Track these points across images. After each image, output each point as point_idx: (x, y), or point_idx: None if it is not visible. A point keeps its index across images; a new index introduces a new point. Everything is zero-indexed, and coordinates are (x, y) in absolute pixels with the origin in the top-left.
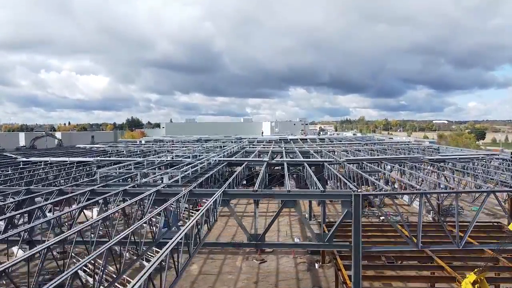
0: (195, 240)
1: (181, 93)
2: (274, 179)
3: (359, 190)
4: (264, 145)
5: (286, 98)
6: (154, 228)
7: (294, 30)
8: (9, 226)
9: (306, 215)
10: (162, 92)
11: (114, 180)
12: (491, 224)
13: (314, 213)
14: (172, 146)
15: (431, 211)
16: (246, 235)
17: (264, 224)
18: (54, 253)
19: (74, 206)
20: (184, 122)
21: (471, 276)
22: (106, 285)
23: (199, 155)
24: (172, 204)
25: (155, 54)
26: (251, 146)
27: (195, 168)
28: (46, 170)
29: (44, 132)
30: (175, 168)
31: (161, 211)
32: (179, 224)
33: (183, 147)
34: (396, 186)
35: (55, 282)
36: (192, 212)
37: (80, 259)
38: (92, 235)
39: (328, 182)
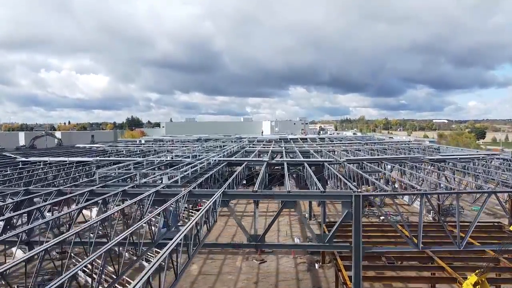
0: (194, 241)
1: (181, 92)
2: (274, 179)
3: (359, 191)
4: (264, 144)
5: (286, 98)
6: (153, 228)
7: (294, 29)
8: (8, 227)
9: (306, 215)
10: (162, 91)
11: (114, 180)
12: (492, 224)
13: (314, 213)
14: (172, 146)
15: (431, 211)
16: (246, 236)
17: (264, 224)
18: (54, 253)
19: (73, 207)
20: (184, 122)
21: (472, 277)
22: (105, 286)
23: (199, 155)
24: (171, 205)
25: (155, 53)
26: (251, 145)
27: (194, 168)
28: (45, 170)
29: (44, 132)
30: (174, 168)
31: (160, 211)
32: (178, 224)
33: (183, 146)
34: (396, 186)
35: (53, 285)
36: (192, 212)
37: (80, 259)
38: (92, 235)
39: (328, 182)
